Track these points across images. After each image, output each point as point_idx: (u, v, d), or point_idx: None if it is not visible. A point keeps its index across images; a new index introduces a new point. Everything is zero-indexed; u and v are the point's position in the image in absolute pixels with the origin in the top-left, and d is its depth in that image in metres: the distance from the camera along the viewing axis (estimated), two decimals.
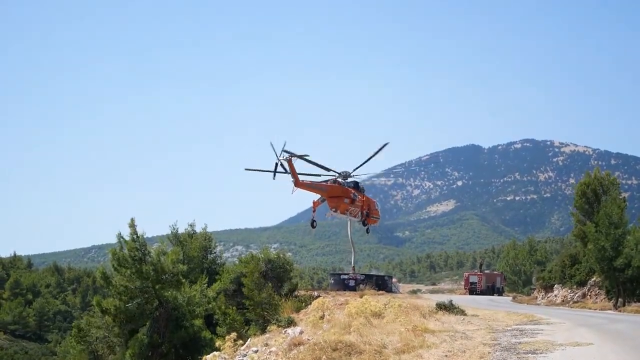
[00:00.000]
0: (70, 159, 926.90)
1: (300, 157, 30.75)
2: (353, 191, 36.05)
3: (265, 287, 46.52)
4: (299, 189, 32.75)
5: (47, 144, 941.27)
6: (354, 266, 43.54)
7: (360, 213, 37.17)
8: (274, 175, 31.08)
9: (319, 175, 34.98)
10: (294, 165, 32.33)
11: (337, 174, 34.62)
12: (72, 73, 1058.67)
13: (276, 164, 30.89)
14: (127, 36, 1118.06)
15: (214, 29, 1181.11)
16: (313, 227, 35.70)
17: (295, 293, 56.58)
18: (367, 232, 41.89)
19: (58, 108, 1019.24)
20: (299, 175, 34.62)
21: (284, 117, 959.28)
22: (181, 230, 64.76)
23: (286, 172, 31.91)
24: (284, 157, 30.45)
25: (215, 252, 67.30)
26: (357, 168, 34.69)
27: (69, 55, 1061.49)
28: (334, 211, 35.39)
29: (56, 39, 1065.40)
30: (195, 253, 61.39)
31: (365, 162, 34.31)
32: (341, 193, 34.79)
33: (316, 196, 35.31)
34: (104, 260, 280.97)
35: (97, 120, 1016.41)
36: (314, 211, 34.89)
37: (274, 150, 30.50)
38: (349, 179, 35.68)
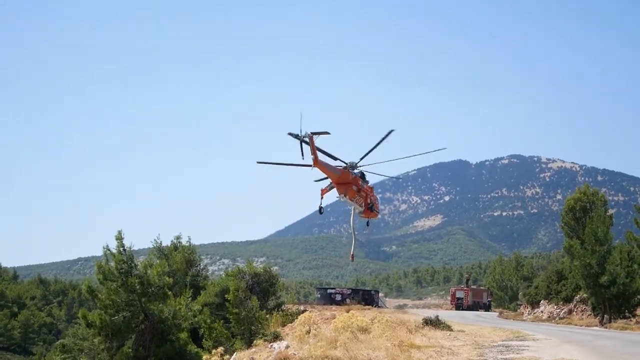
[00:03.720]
0: (57, 171, 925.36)
1: (322, 133, 31.19)
2: (360, 180, 36.75)
3: (251, 301, 46.46)
4: (316, 167, 33.12)
5: (34, 156, 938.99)
6: (352, 254, 43.80)
7: (364, 203, 37.79)
8: (298, 141, 31.39)
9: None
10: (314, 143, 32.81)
11: (345, 164, 35.10)
12: (60, 85, 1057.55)
13: (297, 136, 31.23)
14: (117, 43, 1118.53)
15: (205, 35, 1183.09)
16: (321, 213, 36.04)
17: (282, 307, 56.55)
18: (368, 224, 42.33)
19: (44, 120, 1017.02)
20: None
21: (272, 130, 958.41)
22: (166, 244, 64.68)
23: (302, 159, 32.13)
24: (306, 135, 30.75)
25: (199, 265, 67.10)
26: (363, 157, 35.19)
27: (57, 64, 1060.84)
28: (343, 196, 35.95)
29: (43, 44, 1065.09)
30: (180, 266, 61.23)
31: (371, 150, 34.65)
32: (351, 180, 35.45)
33: (323, 185, 35.75)
34: (90, 272, 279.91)
35: (84, 133, 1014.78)
36: (321, 198, 35.36)
37: (300, 126, 30.93)
38: (356, 170, 36.26)
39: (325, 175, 35.91)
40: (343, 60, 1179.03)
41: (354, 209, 38.33)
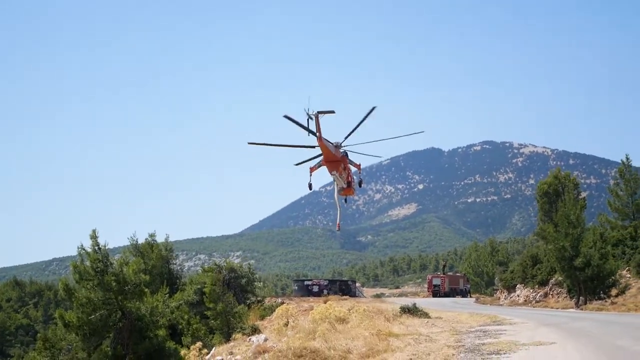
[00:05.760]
0: (29, 171, 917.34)
1: (328, 112, 31.80)
2: (347, 159, 37.76)
3: (227, 295, 46.41)
4: (318, 145, 33.93)
5: (6, 156, 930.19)
6: (339, 223, 44.29)
7: (346, 181, 38.77)
8: (308, 124, 31.97)
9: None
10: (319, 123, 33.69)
11: (331, 144, 35.80)
12: (34, 81, 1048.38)
13: (313, 114, 31.96)
14: (111, 44, 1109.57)
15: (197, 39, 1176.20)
16: (310, 189, 36.97)
17: (259, 301, 56.55)
18: (345, 201, 43.28)
19: (17, 121, 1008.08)
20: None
21: (247, 128, 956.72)
22: (141, 241, 64.34)
23: (308, 136, 32.73)
24: (312, 113, 31.24)
25: (175, 262, 66.84)
26: (347, 137, 35.97)
27: (33, 64, 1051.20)
28: (334, 173, 36.90)
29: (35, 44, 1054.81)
30: (156, 263, 60.97)
31: (354, 129, 35.28)
32: (340, 159, 36.40)
33: (311, 163, 36.62)
34: (65, 273, 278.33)
35: (56, 132, 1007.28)
36: (310, 175, 36.34)
37: (307, 105, 31.58)
38: (341, 149, 37.13)
39: (307, 159, 36.73)
40: (316, 47, 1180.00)
41: (336, 184, 39.22)
